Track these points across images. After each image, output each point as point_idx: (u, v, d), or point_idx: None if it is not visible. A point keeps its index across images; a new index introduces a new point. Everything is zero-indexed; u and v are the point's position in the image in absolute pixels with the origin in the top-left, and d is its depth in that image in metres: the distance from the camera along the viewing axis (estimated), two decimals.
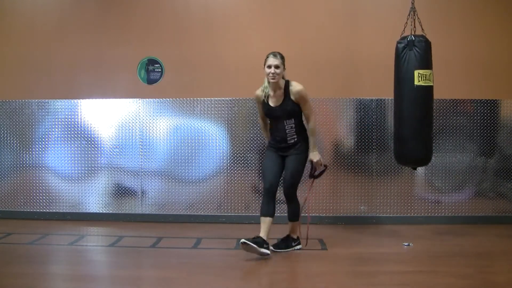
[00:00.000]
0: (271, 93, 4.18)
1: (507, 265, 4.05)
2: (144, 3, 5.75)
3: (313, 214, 5.51)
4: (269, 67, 4.07)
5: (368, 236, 4.99)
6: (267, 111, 4.23)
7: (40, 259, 4.22)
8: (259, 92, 4.27)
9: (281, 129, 4.20)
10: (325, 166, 4.38)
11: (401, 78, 4.56)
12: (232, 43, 5.60)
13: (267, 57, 4.12)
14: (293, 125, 4.18)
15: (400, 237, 4.85)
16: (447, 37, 5.44)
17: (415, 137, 4.55)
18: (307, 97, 4.18)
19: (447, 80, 5.40)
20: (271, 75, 4.05)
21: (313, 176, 4.34)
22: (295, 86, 4.14)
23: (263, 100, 4.22)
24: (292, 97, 4.12)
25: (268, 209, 4.14)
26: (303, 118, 4.31)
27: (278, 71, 4.06)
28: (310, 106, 4.22)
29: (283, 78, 4.18)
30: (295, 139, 4.20)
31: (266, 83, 4.20)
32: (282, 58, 4.13)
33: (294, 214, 4.31)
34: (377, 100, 5.50)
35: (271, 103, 4.19)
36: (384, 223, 5.46)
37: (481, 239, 4.81)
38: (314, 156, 4.23)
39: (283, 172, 4.28)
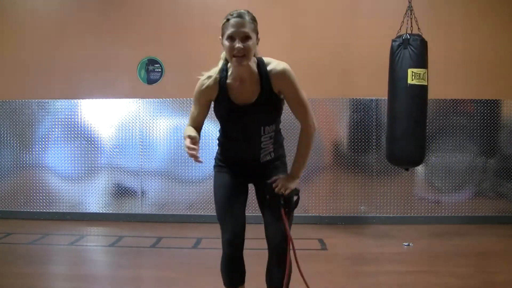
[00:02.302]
0: (234, 82, 2.40)
1: (507, 265, 4.05)
2: (144, 3, 5.74)
3: (313, 214, 5.53)
4: (232, 38, 2.26)
5: (368, 236, 4.99)
6: (228, 113, 2.43)
7: (40, 259, 4.22)
8: (209, 81, 2.45)
9: (252, 142, 2.45)
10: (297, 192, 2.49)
11: (395, 76, 4.55)
12: None
13: (227, 20, 2.31)
14: (273, 134, 2.47)
15: (400, 237, 4.85)
16: (447, 37, 5.44)
17: (407, 136, 4.51)
18: (297, 81, 2.40)
19: (447, 80, 5.41)
20: (235, 53, 2.26)
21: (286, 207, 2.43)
22: (277, 65, 2.38)
23: (217, 94, 2.43)
24: (274, 86, 2.37)
25: (239, 275, 2.58)
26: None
27: (248, 44, 2.26)
28: (304, 97, 2.43)
29: (254, 56, 2.39)
30: (272, 155, 2.51)
31: (221, 65, 2.46)
32: (254, 20, 2.32)
33: (281, 279, 2.45)
34: (377, 100, 5.50)
35: (235, 99, 2.40)
36: (384, 223, 5.45)
37: (481, 239, 4.81)
38: (293, 182, 2.43)
39: (261, 211, 2.52)
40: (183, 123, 5.62)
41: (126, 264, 4.12)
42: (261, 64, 2.39)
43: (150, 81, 5.73)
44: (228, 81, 2.41)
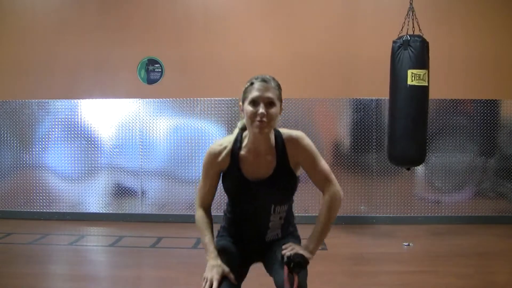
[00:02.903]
0: (248, 154, 2.19)
1: (507, 265, 4.05)
2: (144, 3, 5.74)
3: (313, 214, 5.52)
4: (255, 103, 2.07)
5: (368, 236, 4.99)
6: (238, 188, 2.24)
7: (40, 259, 4.22)
8: (220, 151, 2.21)
9: (259, 221, 2.29)
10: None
11: (396, 77, 4.59)
12: (232, 43, 5.60)
13: (251, 83, 2.11)
14: (283, 215, 2.31)
15: (400, 237, 4.85)
16: (447, 37, 5.44)
17: (407, 136, 4.55)
18: (314, 148, 2.22)
19: (448, 80, 5.42)
20: (258, 119, 2.05)
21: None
22: (291, 133, 2.20)
23: (228, 166, 2.22)
24: (290, 158, 2.19)
25: None
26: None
27: (272, 111, 2.07)
28: (324, 164, 2.28)
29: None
30: (279, 235, 2.34)
31: (236, 134, 2.25)
32: (279, 87, 2.14)
33: None
34: (377, 100, 5.50)
35: (247, 173, 2.20)
36: (384, 223, 5.45)
37: (481, 239, 4.81)
38: (304, 252, 2.24)
39: (271, 274, 2.27)
40: (183, 123, 5.63)
41: (126, 264, 4.12)
42: (278, 136, 2.19)
43: (150, 81, 5.73)
44: (241, 152, 2.19)
